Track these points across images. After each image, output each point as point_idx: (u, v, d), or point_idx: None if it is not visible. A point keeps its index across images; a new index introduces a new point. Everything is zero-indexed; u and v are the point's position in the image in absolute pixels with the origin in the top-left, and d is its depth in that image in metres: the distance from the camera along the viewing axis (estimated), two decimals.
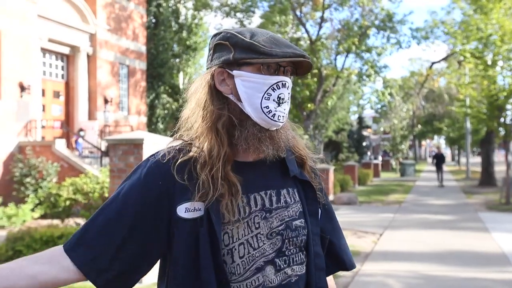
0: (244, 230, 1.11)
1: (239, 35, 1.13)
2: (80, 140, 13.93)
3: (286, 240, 1.16)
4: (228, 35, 1.15)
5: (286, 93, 1.14)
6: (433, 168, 40.74)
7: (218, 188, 1.08)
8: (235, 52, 1.13)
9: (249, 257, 1.11)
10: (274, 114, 1.12)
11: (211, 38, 1.20)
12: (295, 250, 1.17)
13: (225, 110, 1.13)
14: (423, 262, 6.78)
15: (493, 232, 9.24)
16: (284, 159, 1.22)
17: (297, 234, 1.17)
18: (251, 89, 1.12)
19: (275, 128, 1.15)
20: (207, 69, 1.19)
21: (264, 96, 1.11)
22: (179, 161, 1.11)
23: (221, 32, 1.18)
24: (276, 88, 1.12)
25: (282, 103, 1.13)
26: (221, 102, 1.14)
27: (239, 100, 1.13)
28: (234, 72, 1.13)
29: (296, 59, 1.12)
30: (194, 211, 1.08)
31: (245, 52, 1.12)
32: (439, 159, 21.87)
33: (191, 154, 1.12)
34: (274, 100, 1.12)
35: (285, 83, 1.13)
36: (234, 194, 1.10)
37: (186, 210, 1.08)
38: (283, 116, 1.14)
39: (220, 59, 1.15)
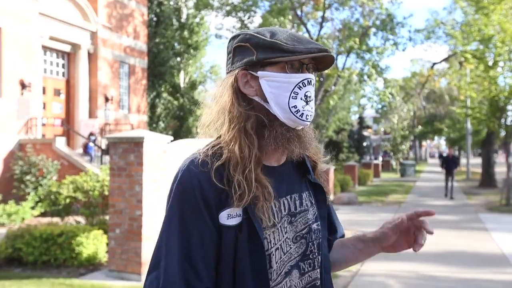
0: (278, 235, 1.11)
1: (259, 35, 1.12)
2: (91, 144, 13.77)
3: (310, 243, 1.16)
4: (248, 36, 1.13)
5: (312, 91, 1.13)
6: (435, 169, 40.60)
7: (252, 190, 1.06)
8: (257, 52, 1.11)
9: (281, 262, 1.10)
10: (302, 113, 1.11)
11: (229, 41, 1.19)
12: (317, 254, 1.18)
13: (252, 111, 1.12)
14: (423, 262, 6.77)
15: (493, 233, 9.24)
16: (304, 162, 1.23)
17: (316, 237, 1.18)
18: (277, 89, 1.10)
19: (301, 127, 1.14)
20: (228, 72, 1.17)
21: (291, 95, 1.10)
22: (215, 166, 1.08)
23: (239, 34, 1.16)
24: (302, 86, 1.11)
25: (310, 101, 1.13)
26: (247, 104, 1.13)
27: (265, 101, 1.12)
28: (259, 73, 1.12)
29: (320, 55, 1.11)
30: (236, 217, 1.06)
31: (268, 52, 1.10)
32: (449, 163, 16.73)
33: (224, 158, 1.09)
34: (301, 99, 1.11)
35: (310, 80, 1.13)
36: (267, 197, 1.08)
37: (228, 217, 1.06)
38: (310, 115, 1.13)
39: (243, 61, 1.13)
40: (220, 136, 1.14)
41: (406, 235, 1.22)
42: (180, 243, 1.05)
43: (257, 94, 1.13)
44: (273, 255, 1.09)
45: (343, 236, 1.40)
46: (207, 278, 1.04)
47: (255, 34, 1.13)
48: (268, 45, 1.10)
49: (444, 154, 21.90)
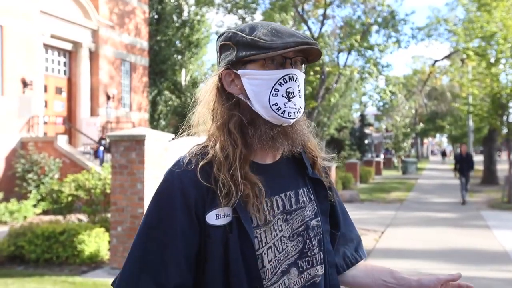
0: (271, 233, 1.09)
1: (240, 33, 1.11)
2: (101, 148, 13.50)
3: (308, 241, 1.15)
4: (230, 35, 1.13)
5: (295, 87, 1.10)
6: (437, 166, 40.45)
7: (240, 188, 1.05)
8: (237, 51, 1.10)
9: (276, 261, 1.09)
10: (284, 110, 1.08)
11: (216, 40, 1.18)
12: (317, 250, 1.16)
13: (235, 110, 1.11)
14: (424, 260, 6.77)
15: (495, 230, 9.23)
16: (301, 158, 1.21)
17: (315, 233, 1.16)
18: (258, 86, 1.09)
19: (288, 124, 1.11)
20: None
21: (272, 93, 1.08)
22: (200, 165, 1.08)
23: (224, 33, 1.16)
24: (283, 83, 1.08)
25: (292, 97, 1.09)
26: (231, 102, 1.12)
27: (249, 99, 1.11)
28: (240, 72, 1.11)
29: (299, 48, 1.07)
30: (224, 217, 1.06)
31: (247, 50, 1.09)
32: (463, 163, 14.17)
33: (209, 156, 1.10)
34: (282, 96, 1.08)
35: (292, 76, 1.09)
36: (258, 195, 1.07)
37: (216, 217, 1.06)
38: (294, 112, 1.09)
39: (225, 60, 1.13)
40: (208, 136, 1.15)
41: None
42: (146, 242, 1.07)
43: (241, 92, 1.12)
44: (264, 254, 1.07)
45: (358, 242, 1.34)
46: (177, 276, 1.05)
47: (236, 32, 1.12)
48: (247, 42, 1.09)
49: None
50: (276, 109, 1.08)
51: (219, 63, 1.16)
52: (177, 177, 1.08)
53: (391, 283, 1.23)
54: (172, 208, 1.07)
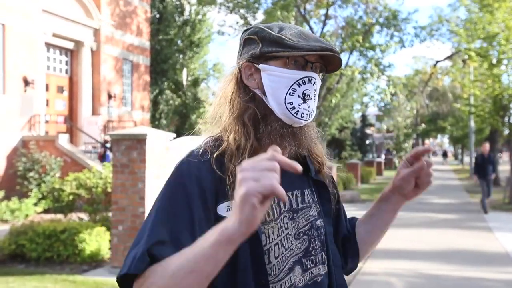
0: (278, 230, 1.10)
1: (267, 29, 1.13)
2: (108, 152, 13.30)
3: (312, 240, 1.16)
4: (257, 30, 1.15)
5: (312, 90, 1.12)
6: (437, 167, 40.41)
7: None
8: (262, 46, 1.12)
9: (283, 258, 1.10)
10: (298, 111, 1.10)
11: (241, 34, 1.20)
12: (319, 250, 1.18)
13: (251, 103, 1.12)
14: (425, 261, 6.76)
15: (496, 231, 9.21)
16: (306, 159, 1.22)
17: (319, 233, 1.18)
18: (276, 83, 1.11)
19: (298, 125, 1.12)
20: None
21: (289, 92, 1.10)
22: (215, 155, 1.08)
23: (251, 27, 1.18)
24: (301, 84, 1.10)
25: (307, 99, 1.11)
26: (248, 95, 1.13)
27: (265, 94, 1.12)
28: (261, 66, 1.12)
29: (323, 53, 1.10)
30: None
31: (272, 46, 1.11)
32: (485, 165, 12.13)
33: (223, 147, 1.10)
34: (299, 96, 1.10)
35: (311, 79, 1.11)
36: None
37: (228, 209, 1.05)
38: (307, 114, 1.11)
39: (248, 54, 1.15)
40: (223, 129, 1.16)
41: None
42: (156, 226, 1.00)
43: (258, 87, 1.13)
44: (271, 250, 1.08)
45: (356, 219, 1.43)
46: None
47: (264, 28, 1.14)
48: (274, 39, 1.11)
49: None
50: (291, 108, 1.10)
51: (240, 55, 1.17)
52: (194, 166, 1.07)
53: (386, 206, 1.34)
54: (188, 194, 1.03)
